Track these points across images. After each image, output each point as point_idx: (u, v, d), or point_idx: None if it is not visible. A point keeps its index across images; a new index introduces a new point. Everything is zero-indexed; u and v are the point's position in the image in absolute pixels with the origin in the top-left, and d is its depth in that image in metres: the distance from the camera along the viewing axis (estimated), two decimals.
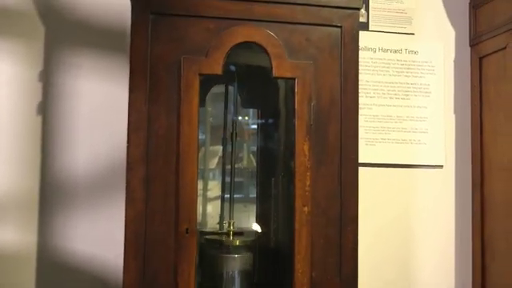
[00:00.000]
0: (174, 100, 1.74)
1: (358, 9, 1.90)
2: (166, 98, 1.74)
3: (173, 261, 1.70)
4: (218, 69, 1.77)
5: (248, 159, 2.33)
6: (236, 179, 2.12)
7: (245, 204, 2.24)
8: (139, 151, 1.71)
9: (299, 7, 1.85)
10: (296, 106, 1.82)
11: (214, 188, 2.26)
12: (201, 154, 2.12)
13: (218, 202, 2.20)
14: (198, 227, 1.75)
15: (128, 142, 1.70)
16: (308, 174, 1.80)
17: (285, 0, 1.84)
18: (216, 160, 2.27)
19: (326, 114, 1.83)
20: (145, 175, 1.71)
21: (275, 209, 2.18)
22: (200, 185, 2.07)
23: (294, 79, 1.83)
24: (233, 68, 2.04)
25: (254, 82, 2.20)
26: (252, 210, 2.21)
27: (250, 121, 2.33)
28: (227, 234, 2.02)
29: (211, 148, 2.28)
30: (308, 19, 1.85)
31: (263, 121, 2.30)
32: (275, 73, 1.81)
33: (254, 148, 2.32)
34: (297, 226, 1.77)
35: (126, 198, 1.69)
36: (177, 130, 1.74)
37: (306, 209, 1.77)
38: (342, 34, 1.87)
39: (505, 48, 2.39)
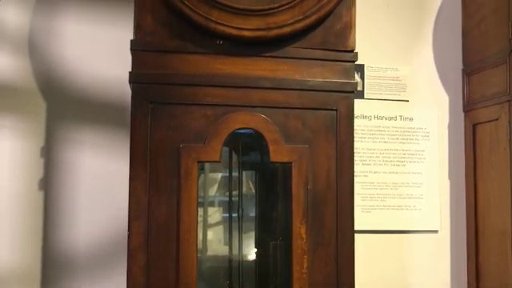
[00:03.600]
0: (174, 187, 1.78)
1: (353, 92, 1.93)
2: (165, 185, 1.77)
3: None
4: (216, 156, 1.82)
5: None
6: None
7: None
8: (140, 239, 1.74)
9: (294, 92, 1.88)
10: (293, 190, 1.85)
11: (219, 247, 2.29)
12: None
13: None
14: None
15: (129, 229, 1.73)
16: (305, 256, 1.83)
17: (280, 86, 1.87)
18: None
19: (322, 197, 1.87)
20: (145, 262, 1.74)
21: (273, 272, 2.20)
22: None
23: (291, 163, 1.85)
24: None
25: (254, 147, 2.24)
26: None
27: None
28: None
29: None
30: (303, 103, 1.89)
31: (262, 184, 2.33)
32: (272, 158, 1.85)
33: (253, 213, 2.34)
34: None
35: (128, 284, 1.72)
36: (177, 217, 1.77)
37: None
38: (337, 117, 1.91)
39: (497, 119, 2.44)
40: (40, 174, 2.35)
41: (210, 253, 2.30)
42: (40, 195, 2.35)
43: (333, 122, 1.91)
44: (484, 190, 2.59)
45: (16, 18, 2.38)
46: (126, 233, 1.73)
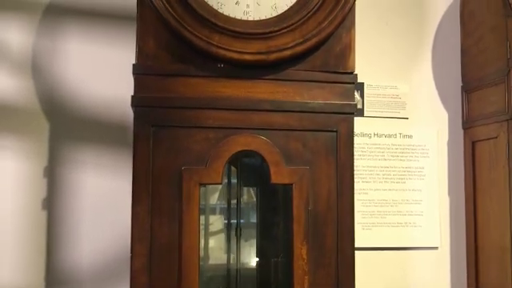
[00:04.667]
0: (176, 209, 1.80)
1: (353, 113, 1.95)
2: (167, 208, 1.79)
3: None
4: (217, 178, 1.83)
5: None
6: None
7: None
8: (142, 261, 1.76)
9: (295, 114, 1.90)
10: (294, 211, 1.87)
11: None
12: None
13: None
14: None
15: (131, 252, 1.75)
16: (306, 277, 1.85)
17: (281, 108, 1.89)
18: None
19: (323, 218, 1.89)
20: (148, 284, 1.76)
21: None
22: None
23: (292, 185, 1.87)
24: None
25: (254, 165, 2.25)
26: None
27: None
28: None
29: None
30: (304, 125, 1.91)
31: (263, 199, 2.34)
32: (273, 179, 1.87)
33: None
34: None
35: None
36: (179, 239, 1.79)
37: None
38: (338, 139, 1.93)
39: (496, 137, 2.46)
40: (43, 193, 2.37)
41: (211, 261, 2.31)
42: (43, 215, 2.37)
43: (333, 143, 1.93)
44: (483, 206, 2.61)
45: (19, 39, 2.41)
46: (129, 254, 1.74)
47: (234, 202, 2.22)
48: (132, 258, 1.76)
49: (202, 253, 2.07)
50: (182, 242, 1.78)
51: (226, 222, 2.27)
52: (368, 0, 2.46)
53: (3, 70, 2.39)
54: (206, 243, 2.32)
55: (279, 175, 1.87)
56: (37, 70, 2.42)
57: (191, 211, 1.80)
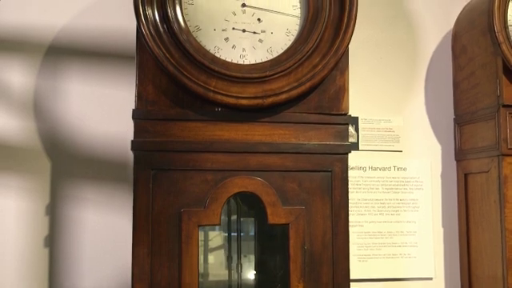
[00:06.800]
0: (175, 250, 1.85)
1: (347, 153, 2.00)
2: (167, 249, 1.84)
3: None
4: (216, 220, 1.89)
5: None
6: None
7: None
8: None
9: (291, 155, 1.96)
10: (290, 251, 1.92)
11: None
12: None
13: None
14: None
15: None
16: None
17: (277, 150, 1.94)
18: None
19: (318, 257, 1.94)
20: None
21: None
22: None
23: (288, 225, 1.92)
24: None
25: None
26: None
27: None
28: None
29: None
30: (299, 166, 1.96)
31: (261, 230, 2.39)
32: (270, 220, 1.92)
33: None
34: None
35: None
36: (178, 279, 1.84)
37: None
38: (332, 178, 1.98)
39: (488, 172, 2.51)
40: (45, 231, 2.41)
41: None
42: (45, 252, 2.40)
43: (328, 182, 1.98)
44: (476, 237, 2.66)
45: (21, 80, 2.46)
46: None
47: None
48: None
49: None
50: (181, 282, 1.82)
51: (227, 254, 2.32)
52: (361, 36, 2.50)
53: (6, 110, 2.43)
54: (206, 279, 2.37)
55: (276, 216, 1.92)
56: (38, 109, 2.46)
57: (190, 252, 1.85)
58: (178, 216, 1.86)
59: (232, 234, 2.32)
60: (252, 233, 2.37)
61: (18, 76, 2.46)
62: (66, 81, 2.49)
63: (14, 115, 2.43)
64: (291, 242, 1.93)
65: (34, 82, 2.46)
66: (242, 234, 2.32)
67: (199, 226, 1.87)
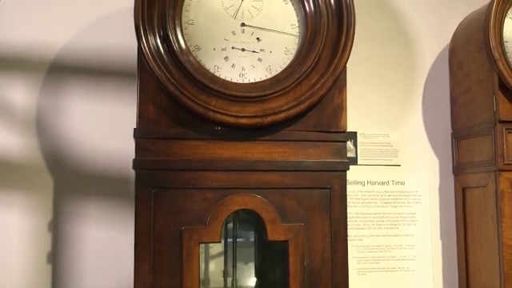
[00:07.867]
0: (177, 268, 1.87)
1: (345, 170, 2.03)
2: (168, 266, 1.87)
3: None
4: (216, 237, 1.91)
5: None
6: None
7: None
8: None
9: (290, 173, 1.98)
10: (290, 267, 1.94)
11: None
12: None
13: None
14: None
15: None
16: None
17: (276, 167, 1.97)
18: None
19: (317, 273, 1.96)
20: None
21: None
22: None
23: (288, 241, 1.95)
24: None
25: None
26: None
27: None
28: None
29: None
30: (298, 184, 1.99)
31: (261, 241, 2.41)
32: (270, 237, 1.94)
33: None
34: None
35: None
36: None
37: None
38: (331, 195, 2.00)
39: (485, 186, 2.54)
40: (48, 247, 2.43)
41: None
42: (48, 269, 2.43)
43: (327, 199, 2.01)
44: (474, 251, 2.69)
45: (24, 97, 2.48)
46: None
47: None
48: None
49: None
50: None
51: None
52: (360, 53, 2.51)
53: (8, 127, 2.46)
54: None
55: (275, 232, 1.95)
56: (41, 127, 2.49)
57: (191, 269, 1.87)
58: (178, 234, 1.88)
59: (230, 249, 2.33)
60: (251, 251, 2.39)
61: (21, 93, 2.48)
62: (68, 98, 2.51)
63: (16, 132, 2.45)
64: (291, 258, 1.95)
65: (36, 100, 2.48)
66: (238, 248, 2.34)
67: (200, 243, 1.89)
